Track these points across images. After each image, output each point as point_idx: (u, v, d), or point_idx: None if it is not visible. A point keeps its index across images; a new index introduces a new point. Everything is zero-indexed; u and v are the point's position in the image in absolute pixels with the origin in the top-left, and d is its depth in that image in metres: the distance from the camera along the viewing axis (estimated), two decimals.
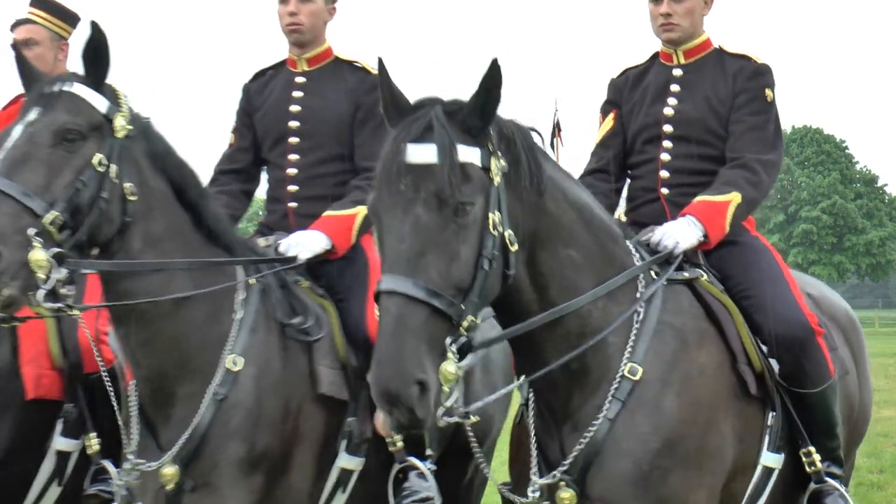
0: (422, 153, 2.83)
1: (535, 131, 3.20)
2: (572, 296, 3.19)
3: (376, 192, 2.89)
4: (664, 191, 3.99)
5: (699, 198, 3.78)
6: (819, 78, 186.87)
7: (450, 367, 2.74)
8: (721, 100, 3.95)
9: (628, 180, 4.19)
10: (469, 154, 2.89)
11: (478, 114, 2.93)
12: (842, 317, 4.43)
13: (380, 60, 3.00)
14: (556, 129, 15.12)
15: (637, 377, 3.26)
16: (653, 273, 3.47)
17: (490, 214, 2.88)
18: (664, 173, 3.99)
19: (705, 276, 3.62)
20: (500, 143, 3.00)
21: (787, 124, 79.41)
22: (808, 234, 65.08)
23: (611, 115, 4.19)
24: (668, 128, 4.00)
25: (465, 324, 2.79)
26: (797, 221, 65.69)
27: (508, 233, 2.96)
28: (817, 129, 70.59)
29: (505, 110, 3.05)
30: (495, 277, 2.93)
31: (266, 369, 3.72)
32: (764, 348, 3.65)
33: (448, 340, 2.76)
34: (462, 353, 2.79)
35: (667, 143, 3.99)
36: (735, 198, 3.75)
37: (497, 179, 2.93)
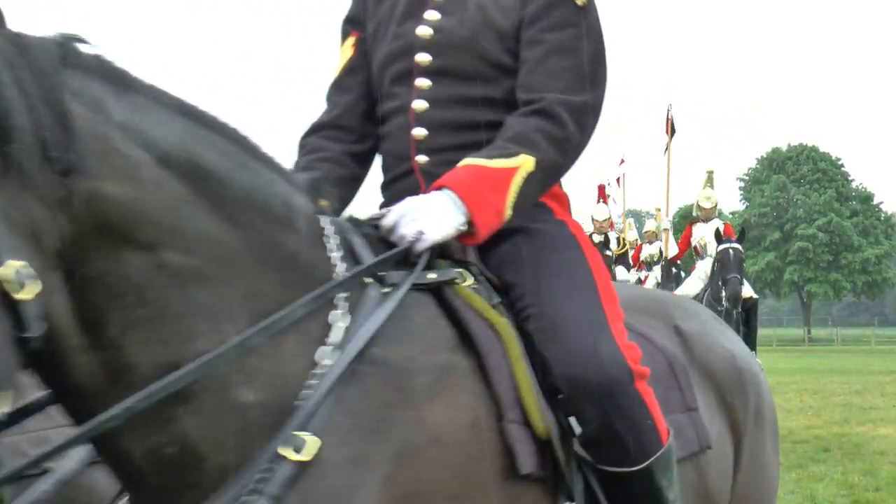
0: None
1: (82, 41, 1.77)
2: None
3: None
4: (420, 159, 2.52)
5: (466, 161, 2.36)
6: (815, 96, 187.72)
7: None
8: (504, 8, 2.49)
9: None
10: None
11: None
12: (721, 370, 2.94)
13: None
14: (670, 128, 14.40)
15: (305, 456, 1.85)
16: (371, 281, 2.12)
17: None
18: (419, 131, 2.52)
19: (469, 281, 2.29)
20: None
21: (783, 142, 79.64)
22: (803, 251, 65.28)
23: (350, 41, 2.73)
24: (423, 57, 2.52)
25: None
26: (793, 239, 65.88)
27: (14, 266, 1.55)
28: (813, 146, 70.97)
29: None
30: None
31: None
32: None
33: None
34: None
35: (422, 82, 2.52)
36: (526, 163, 2.35)
37: None
